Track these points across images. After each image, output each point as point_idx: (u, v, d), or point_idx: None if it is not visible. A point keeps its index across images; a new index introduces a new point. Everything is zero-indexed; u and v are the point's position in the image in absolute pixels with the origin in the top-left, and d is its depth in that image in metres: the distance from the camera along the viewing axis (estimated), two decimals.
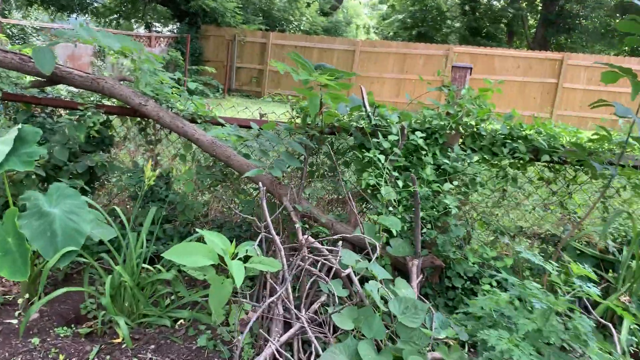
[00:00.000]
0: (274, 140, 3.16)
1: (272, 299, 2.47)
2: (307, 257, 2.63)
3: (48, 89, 4.26)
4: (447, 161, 3.18)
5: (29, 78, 3.96)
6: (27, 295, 3.03)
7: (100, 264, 3.57)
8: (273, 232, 2.73)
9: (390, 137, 3.16)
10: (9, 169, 2.71)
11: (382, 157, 3.06)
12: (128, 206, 4.08)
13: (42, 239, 2.71)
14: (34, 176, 3.68)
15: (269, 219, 2.75)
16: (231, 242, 3.68)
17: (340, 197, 3.68)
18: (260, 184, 2.97)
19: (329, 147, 3.53)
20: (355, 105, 3.35)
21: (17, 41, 11.32)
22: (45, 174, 3.71)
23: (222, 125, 3.77)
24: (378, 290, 2.51)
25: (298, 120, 3.69)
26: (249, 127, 3.85)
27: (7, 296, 3.17)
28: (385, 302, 2.52)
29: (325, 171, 3.61)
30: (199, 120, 3.74)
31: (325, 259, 2.63)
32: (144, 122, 4.03)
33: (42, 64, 3.22)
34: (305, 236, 2.75)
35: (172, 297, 3.24)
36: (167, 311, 3.09)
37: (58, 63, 3.65)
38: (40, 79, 3.73)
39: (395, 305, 2.47)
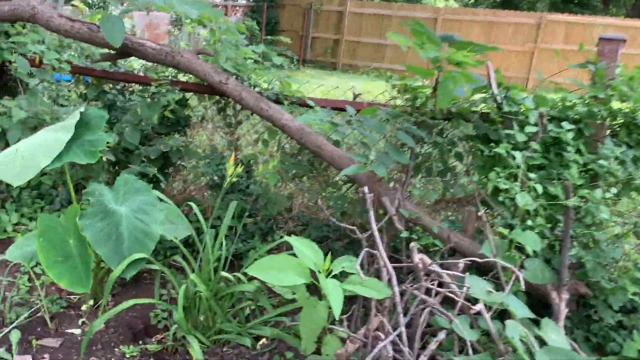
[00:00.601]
0: (378, 129, 2.58)
1: (383, 341, 1.94)
2: (424, 286, 2.06)
3: (121, 62, 3.88)
4: (602, 160, 2.48)
5: (100, 50, 3.58)
6: (91, 302, 2.66)
7: (171, 265, 3.18)
8: (383, 252, 2.17)
9: (528, 129, 2.49)
10: (69, 161, 2.30)
11: (517, 155, 2.42)
12: (205, 194, 3.66)
13: (106, 244, 2.31)
14: (104, 159, 3.32)
15: (378, 240, 2.19)
16: (318, 244, 3.17)
17: (448, 198, 3.06)
18: (365, 187, 2.41)
19: (439, 136, 2.91)
20: (478, 86, 2.69)
21: (97, 10, 11.26)
22: (115, 157, 3.34)
23: (310, 107, 3.24)
24: (520, 336, 1.91)
25: (398, 102, 3.10)
26: (342, 110, 3.29)
27: (71, 297, 2.83)
28: (529, 351, 1.93)
29: (433, 166, 2.99)
30: (285, 102, 3.21)
31: (450, 291, 2.06)
32: (222, 102, 3.56)
33: (111, 35, 2.79)
34: (421, 256, 2.18)
35: (252, 307, 2.79)
36: (248, 327, 2.63)
37: (130, 33, 3.22)
38: (111, 51, 3.32)
39: (544, 359, 1.87)
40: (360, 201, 2.97)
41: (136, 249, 2.34)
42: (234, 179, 3.38)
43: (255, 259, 3.19)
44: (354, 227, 2.38)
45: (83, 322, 2.64)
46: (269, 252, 3.31)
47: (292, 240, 2.40)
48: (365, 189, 2.49)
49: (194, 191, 3.70)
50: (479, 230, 2.77)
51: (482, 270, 2.73)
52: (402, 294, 2.20)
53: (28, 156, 2.19)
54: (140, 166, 3.28)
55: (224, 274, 2.61)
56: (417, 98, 2.81)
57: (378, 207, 2.85)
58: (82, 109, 2.49)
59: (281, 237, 3.32)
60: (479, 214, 2.46)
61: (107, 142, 3.24)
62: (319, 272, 2.29)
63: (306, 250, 2.37)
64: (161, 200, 2.74)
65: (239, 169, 2.40)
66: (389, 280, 2.13)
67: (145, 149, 3.35)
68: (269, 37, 14.29)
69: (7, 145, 3.30)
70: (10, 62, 3.51)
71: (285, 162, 3.21)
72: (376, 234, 2.25)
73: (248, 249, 3.23)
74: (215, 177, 3.36)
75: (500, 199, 2.43)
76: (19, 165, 2.13)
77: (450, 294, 2.04)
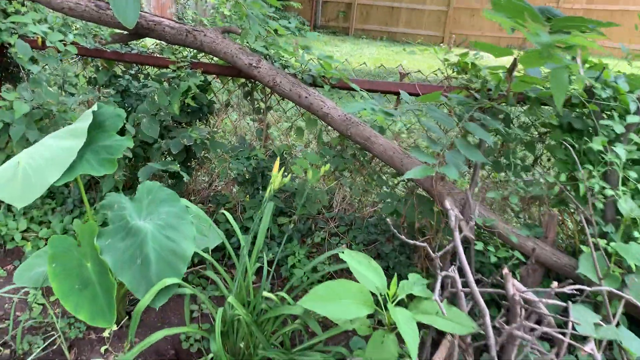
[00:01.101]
0: (446, 123, 2.16)
1: None
2: (526, 326, 1.68)
3: (133, 42, 3.46)
4: None
5: (109, 30, 3.15)
6: (115, 327, 2.32)
7: (201, 275, 2.82)
8: (472, 281, 1.79)
9: (631, 119, 2.06)
10: (83, 174, 1.92)
11: (620, 150, 2.00)
12: (233, 189, 3.28)
13: (130, 269, 1.94)
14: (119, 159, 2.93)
15: (466, 267, 1.80)
16: (365, 247, 2.79)
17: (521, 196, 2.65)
18: (421, 183, 2.01)
19: (507, 125, 2.48)
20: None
21: None
22: (131, 153, 2.96)
23: (354, 89, 2.81)
24: None
25: (452, 80, 2.68)
26: (393, 94, 2.86)
27: None
28: None
29: (506, 160, 2.58)
30: (324, 86, 2.79)
31: (558, 331, 1.67)
32: (249, 85, 3.14)
33: (123, 13, 2.36)
34: (513, 282, 1.79)
35: (299, 328, 2.44)
36: (295, 353, 2.28)
37: (143, 11, 2.79)
38: (122, 31, 2.90)
39: None
40: (421, 200, 2.58)
41: (166, 272, 1.98)
42: (267, 173, 3.01)
43: (294, 265, 2.83)
44: (425, 244, 1.99)
45: (106, 350, 2.30)
46: (309, 255, 2.94)
47: (348, 257, 2.03)
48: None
49: (221, 186, 3.32)
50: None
51: (559, 278, 2.35)
52: (496, 329, 1.82)
53: (32, 171, 1.80)
54: (160, 162, 2.89)
55: (266, 294, 2.24)
56: (488, 80, 2.38)
57: (438, 208, 2.45)
58: (95, 108, 2.09)
59: (322, 239, 2.95)
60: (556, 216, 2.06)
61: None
62: (383, 296, 1.93)
63: (366, 271, 1.99)
64: (187, 206, 2.37)
65: (286, 180, 2.00)
66: (485, 324, 1.75)
67: (165, 142, 2.96)
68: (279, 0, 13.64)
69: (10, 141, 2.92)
70: (10, 44, 3.10)
71: (326, 156, 2.80)
72: (463, 259, 1.86)
73: (287, 254, 2.86)
74: (245, 171, 2.97)
75: (599, 204, 2.02)
76: (22, 183, 1.75)
77: (555, 333, 1.66)
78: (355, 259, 2.09)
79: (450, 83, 2.72)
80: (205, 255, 2.18)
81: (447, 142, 2.14)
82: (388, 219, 2.58)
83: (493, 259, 2.16)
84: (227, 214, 2.34)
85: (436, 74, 2.94)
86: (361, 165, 2.93)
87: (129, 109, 3.29)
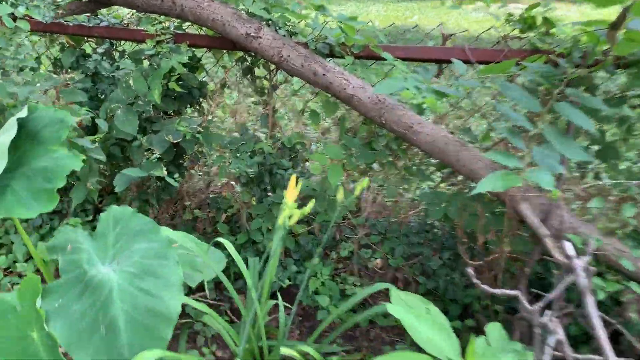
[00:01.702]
0: (529, 105, 1.52)
1: None
2: None
3: (103, 12, 2.80)
4: None
5: None
6: None
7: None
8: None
9: None
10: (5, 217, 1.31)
11: None
12: (236, 189, 2.66)
13: (89, 342, 1.36)
14: (93, 159, 2.33)
15: (603, 342, 1.19)
16: (406, 261, 2.19)
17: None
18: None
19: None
20: None
21: None
22: (106, 154, 2.35)
23: (382, 59, 2.16)
24: None
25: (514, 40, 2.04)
26: (435, 62, 2.22)
27: None
28: None
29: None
30: (346, 57, 2.13)
31: None
32: (249, 59, 2.49)
33: None
34: None
35: None
36: None
37: None
38: None
39: None
40: (478, 200, 1.96)
41: (143, 342, 1.39)
42: (278, 170, 2.39)
43: (318, 291, 2.24)
44: (517, 293, 1.38)
45: None
46: (335, 273, 2.35)
47: (398, 309, 1.42)
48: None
49: (221, 189, 2.71)
50: None
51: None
52: None
53: None
54: (142, 166, 2.29)
55: (285, 351, 1.65)
56: (578, 42, 1.72)
57: (513, 217, 1.83)
58: (23, 113, 1.46)
59: (350, 252, 2.34)
60: None
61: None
62: None
63: (427, 327, 1.39)
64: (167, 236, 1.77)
65: (306, 209, 1.39)
66: None
67: (147, 139, 2.34)
68: None
69: None
70: None
71: (351, 148, 2.17)
72: (601, 335, 1.24)
73: (305, 278, 2.26)
74: (249, 170, 2.35)
75: None
76: None
77: None
78: (408, 307, 1.49)
79: (509, 45, 2.06)
80: (195, 304, 1.59)
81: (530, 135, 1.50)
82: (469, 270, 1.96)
83: (600, 295, 1.54)
84: (227, 243, 1.74)
85: (489, 34, 2.27)
86: (396, 157, 2.29)
87: (103, 96, 2.67)
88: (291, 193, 1.38)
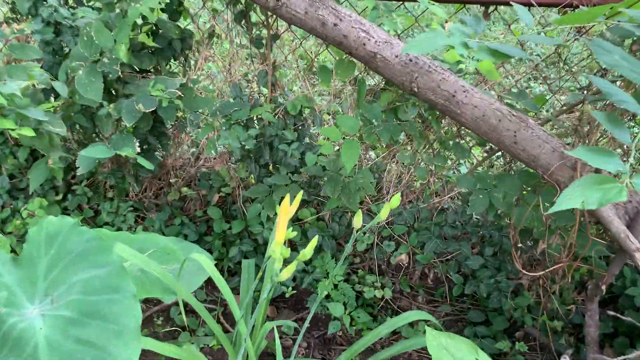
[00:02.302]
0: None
1: None
2: None
3: None
4: None
5: None
6: None
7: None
8: None
9: None
10: None
11: None
12: (230, 163, 2.22)
13: None
14: (52, 135, 1.90)
15: None
16: (439, 258, 1.79)
17: None
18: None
19: None
20: None
21: None
22: (67, 127, 1.91)
23: (414, 0, 1.64)
24: None
25: None
26: (480, 4, 1.71)
27: None
28: None
29: None
30: None
31: None
32: (242, 1, 1.98)
33: None
34: None
35: None
36: None
37: None
38: None
39: None
40: (540, 189, 1.51)
41: None
42: (280, 145, 1.94)
43: (330, 296, 1.83)
44: None
45: None
46: (351, 270, 1.93)
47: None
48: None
49: (211, 161, 2.26)
50: None
51: None
52: None
53: None
54: (112, 139, 1.84)
55: None
56: None
57: (581, 219, 1.38)
58: None
59: (369, 245, 1.92)
60: None
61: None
62: None
63: None
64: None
65: (306, 253, 0.93)
66: None
67: (116, 106, 1.88)
68: None
69: None
70: None
71: (371, 119, 1.70)
72: None
73: (317, 277, 1.86)
74: (243, 143, 1.89)
75: None
76: None
77: None
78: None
79: None
80: (162, 349, 1.19)
81: None
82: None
83: None
84: (205, 262, 1.31)
85: None
86: (427, 127, 1.82)
87: (68, 51, 2.19)
88: (282, 229, 0.93)
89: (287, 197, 0.96)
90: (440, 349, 1.12)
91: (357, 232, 1.03)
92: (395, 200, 0.98)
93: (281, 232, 0.94)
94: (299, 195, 1.00)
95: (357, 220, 1.01)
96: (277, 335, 1.34)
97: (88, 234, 1.17)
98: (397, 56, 1.44)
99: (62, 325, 1.06)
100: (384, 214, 1.01)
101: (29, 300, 1.10)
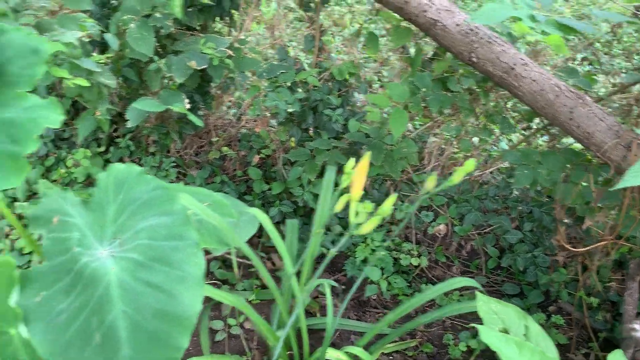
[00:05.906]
0: None
1: None
2: None
3: None
4: None
5: None
6: None
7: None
8: None
9: None
10: None
11: None
12: (271, 129, 2.24)
13: (80, 358, 1.02)
14: (101, 87, 1.92)
15: None
16: (477, 230, 1.82)
17: None
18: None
19: None
20: None
21: None
22: (120, 79, 1.95)
23: None
24: None
25: None
26: None
27: None
28: None
29: None
30: None
31: None
32: None
33: None
34: None
35: None
36: None
37: None
38: None
39: None
40: (587, 166, 1.52)
41: (151, 355, 1.05)
42: (325, 109, 1.95)
43: (366, 260, 1.87)
44: None
45: None
46: (387, 237, 1.97)
47: (495, 339, 1.03)
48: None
49: (252, 123, 2.28)
50: None
51: None
52: None
53: None
54: (160, 95, 1.87)
55: (332, 354, 1.31)
56: None
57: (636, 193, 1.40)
58: None
59: (406, 214, 1.95)
60: None
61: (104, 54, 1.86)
62: None
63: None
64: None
65: (385, 208, 0.95)
66: None
67: (167, 62, 1.90)
68: None
69: None
70: None
71: (421, 88, 1.70)
72: None
73: (353, 241, 1.89)
74: (289, 105, 1.91)
75: None
76: None
77: None
78: (502, 327, 1.11)
79: None
80: (221, 296, 1.24)
81: None
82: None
83: None
84: (262, 218, 1.35)
85: None
86: (474, 99, 1.82)
87: (116, 3, 2.21)
88: (359, 186, 0.95)
89: (368, 155, 0.98)
90: (490, 313, 1.15)
91: (422, 195, 1.06)
92: (470, 165, 1.01)
93: (357, 189, 0.97)
94: (367, 156, 1.02)
95: (430, 183, 1.04)
96: (328, 290, 1.39)
97: (154, 183, 1.21)
98: (457, 25, 1.44)
99: (132, 267, 1.11)
100: (457, 178, 1.03)
101: (99, 242, 1.15)
